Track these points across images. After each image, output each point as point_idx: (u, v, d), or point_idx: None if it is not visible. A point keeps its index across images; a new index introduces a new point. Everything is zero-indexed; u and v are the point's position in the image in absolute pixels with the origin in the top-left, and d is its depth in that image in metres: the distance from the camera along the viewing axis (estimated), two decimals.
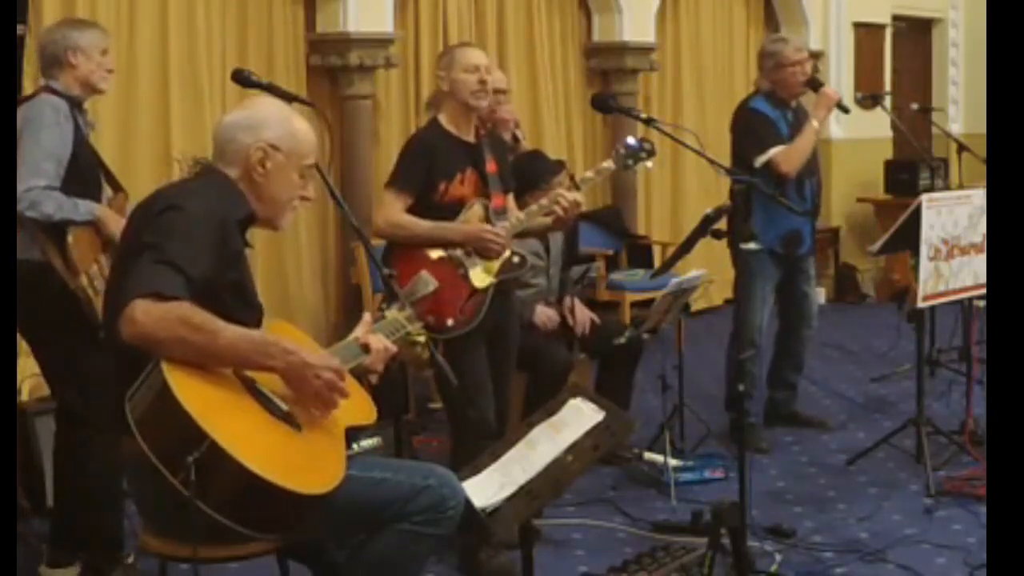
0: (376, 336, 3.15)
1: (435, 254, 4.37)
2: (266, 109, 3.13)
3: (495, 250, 4.40)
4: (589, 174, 4.71)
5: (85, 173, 4.06)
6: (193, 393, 2.65)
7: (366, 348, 3.12)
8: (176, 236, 2.80)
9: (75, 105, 4.10)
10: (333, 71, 6.88)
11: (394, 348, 3.17)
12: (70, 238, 3.96)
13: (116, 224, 3.95)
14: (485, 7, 7.78)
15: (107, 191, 4.20)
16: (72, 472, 4.10)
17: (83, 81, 4.11)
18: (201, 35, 6.21)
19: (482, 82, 4.38)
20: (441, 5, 7.47)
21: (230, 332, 2.75)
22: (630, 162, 4.64)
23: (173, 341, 2.67)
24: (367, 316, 3.25)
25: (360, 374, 3.14)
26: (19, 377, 4.76)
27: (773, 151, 5.60)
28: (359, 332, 3.17)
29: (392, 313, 3.26)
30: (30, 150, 3.90)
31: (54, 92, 4.06)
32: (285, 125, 3.06)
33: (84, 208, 3.98)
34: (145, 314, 2.67)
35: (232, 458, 2.60)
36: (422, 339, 3.25)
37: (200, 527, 2.63)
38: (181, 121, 6.11)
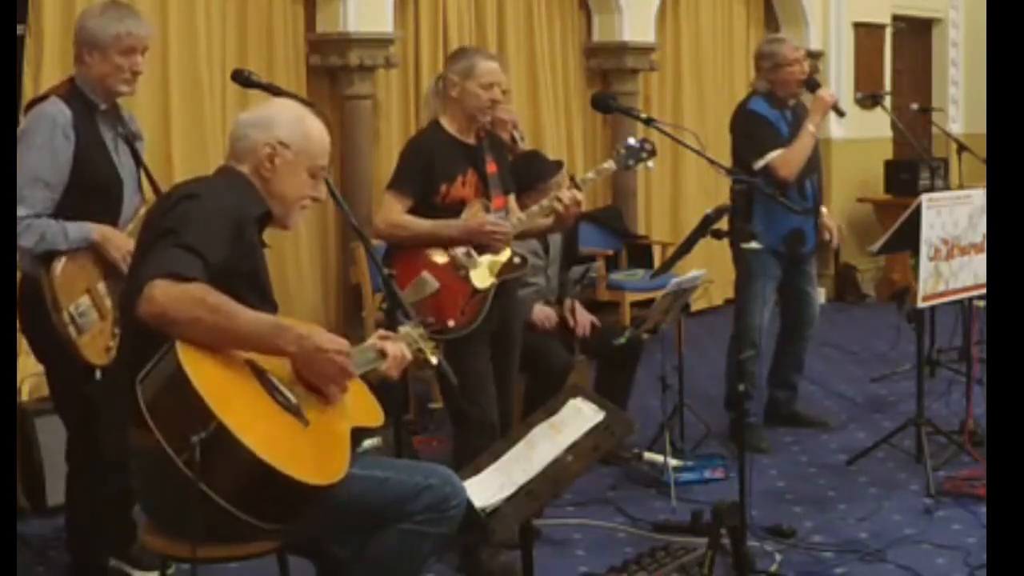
0: (393, 344, 3.16)
1: (436, 256, 4.37)
2: (280, 109, 3.19)
3: (498, 241, 4.39)
4: (590, 175, 4.71)
5: (96, 189, 3.81)
6: (205, 375, 2.69)
7: (383, 354, 3.13)
8: (193, 223, 2.86)
9: (94, 109, 3.86)
10: (333, 71, 6.88)
11: (410, 356, 3.19)
12: (55, 269, 3.71)
13: (120, 246, 3.76)
14: (485, 7, 7.78)
15: (148, 198, 4.00)
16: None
17: (98, 81, 3.84)
18: (201, 35, 6.21)
19: (494, 100, 4.39)
20: (441, 5, 7.47)
21: (246, 315, 2.80)
22: (631, 162, 4.64)
23: (190, 321, 2.72)
24: (381, 332, 3.26)
25: (374, 378, 3.15)
26: (19, 377, 4.76)
27: (770, 156, 5.60)
28: (375, 340, 3.18)
29: (405, 328, 3.26)
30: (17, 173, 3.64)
31: (72, 92, 3.83)
32: (297, 124, 3.11)
33: (76, 234, 3.73)
34: (164, 294, 2.71)
35: (237, 440, 2.63)
36: (434, 360, 3.26)
37: (202, 514, 2.65)
38: (181, 121, 6.10)
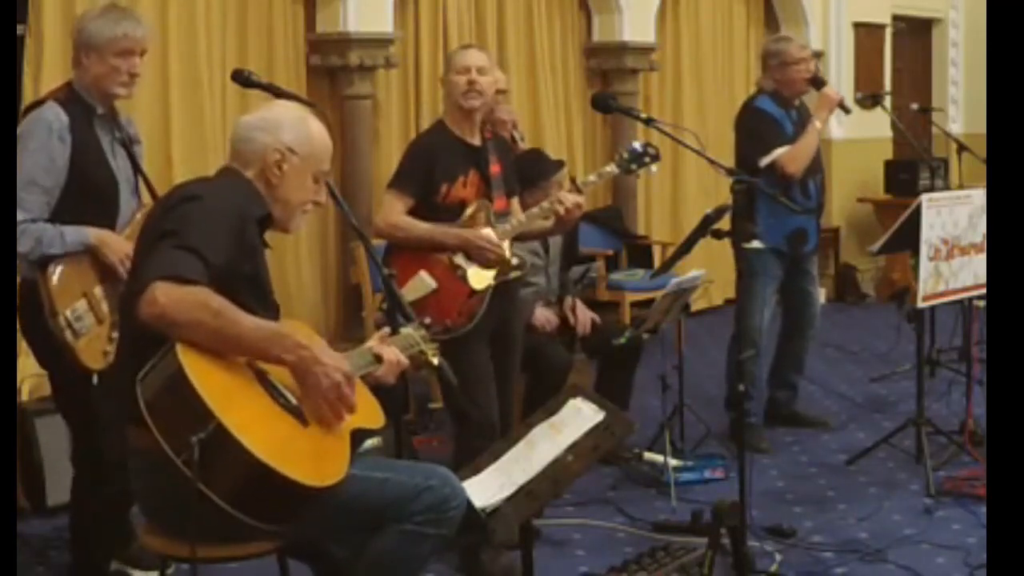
0: (390, 348, 3.16)
1: (435, 256, 4.37)
2: (284, 112, 3.17)
3: (490, 259, 4.40)
4: (591, 178, 4.70)
5: (93, 193, 3.79)
6: (205, 375, 2.69)
7: (379, 359, 3.13)
8: (194, 224, 2.85)
9: (92, 113, 3.85)
10: (333, 71, 6.88)
11: (406, 362, 3.19)
12: (52, 274, 3.69)
13: (118, 249, 3.74)
14: (485, 7, 7.78)
15: (145, 202, 3.99)
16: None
17: (95, 84, 3.82)
18: (201, 35, 6.21)
19: (470, 83, 4.37)
20: (441, 5, 7.47)
21: (247, 320, 2.79)
22: (633, 166, 4.61)
23: (191, 324, 2.72)
24: (385, 330, 3.26)
25: (370, 382, 3.15)
26: (19, 377, 4.76)
27: (778, 152, 5.60)
28: (373, 342, 3.18)
29: (407, 330, 3.26)
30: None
31: (70, 96, 3.82)
32: (302, 128, 3.11)
33: (73, 238, 3.71)
34: (165, 295, 2.71)
35: (236, 441, 2.64)
36: (436, 361, 3.26)
37: (201, 516, 2.65)
38: (181, 121, 6.10)
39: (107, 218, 3.85)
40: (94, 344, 3.75)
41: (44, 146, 3.73)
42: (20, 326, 3.83)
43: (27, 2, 5.35)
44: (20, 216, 3.66)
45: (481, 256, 4.38)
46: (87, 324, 3.74)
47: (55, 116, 3.77)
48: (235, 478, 2.67)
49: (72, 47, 3.91)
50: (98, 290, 3.80)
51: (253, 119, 3.13)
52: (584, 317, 5.60)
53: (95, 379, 3.75)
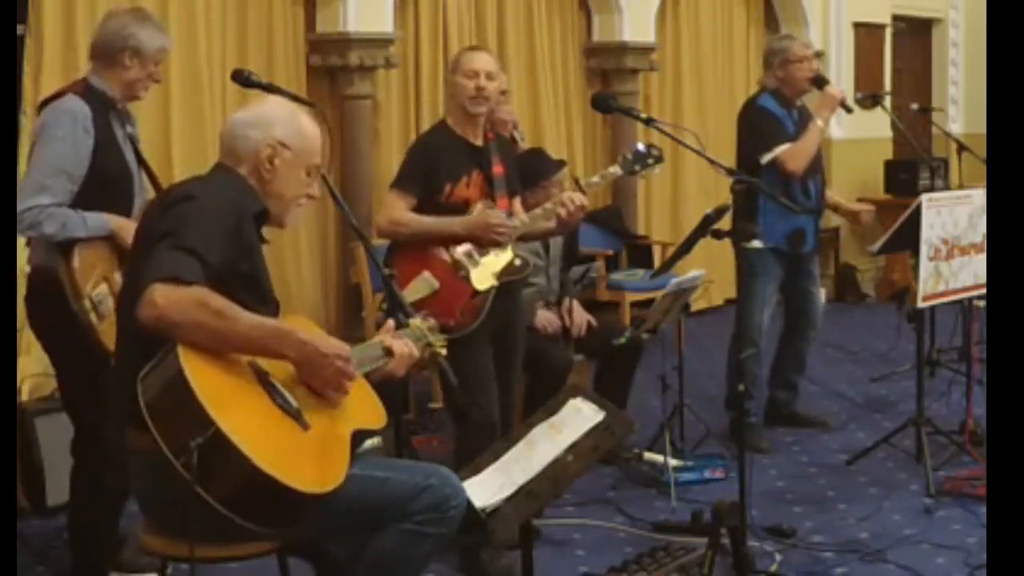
0: (400, 341, 3.17)
1: (437, 256, 4.36)
2: (274, 107, 3.18)
3: (502, 235, 4.37)
4: (595, 179, 4.70)
5: (111, 183, 3.89)
6: (205, 380, 2.69)
7: (389, 352, 3.13)
8: (192, 224, 2.85)
9: (110, 108, 3.94)
10: (333, 71, 6.88)
11: (417, 353, 3.19)
12: (75, 257, 3.77)
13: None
14: (485, 7, 7.78)
15: (149, 194, 4.04)
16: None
17: (127, 85, 3.95)
18: (201, 35, 6.21)
19: (479, 88, 4.36)
20: (441, 5, 7.47)
21: (247, 319, 2.80)
22: (637, 168, 4.61)
23: (191, 325, 2.72)
24: (391, 322, 3.27)
25: (378, 377, 3.15)
26: (19, 377, 4.76)
27: (779, 149, 5.61)
28: (383, 336, 3.19)
29: (415, 321, 3.26)
30: (37, 165, 3.78)
31: (88, 91, 3.90)
32: (293, 123, 3.12)
33: (95, 223, 3.81)
34: (164, 297, 2.71)
35: (234, 447, 2.63)
36: (444, 352, 3.25)
37: (200, 517, 2.65)
38: (181, 121, 6.10)
39: (123, 208, 3.93)
40: (114, 328, 3.78)
41: (70, 135, 3.81)
42: (32, 315, 3.92)
43: (27, 2, 5.35)
44: (47, 200, 3.75)
45: (491, 237, 4.36)
46: (108, 307, 3.80)
47: (78, 107, 3.85)
48: (233, 483, 2.66)
49: (107, 48, 3.94)
50: (117, 276, 3.85)
51: (244, 116, 3.14)
52: (580, 319, 5.59)
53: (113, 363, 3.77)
